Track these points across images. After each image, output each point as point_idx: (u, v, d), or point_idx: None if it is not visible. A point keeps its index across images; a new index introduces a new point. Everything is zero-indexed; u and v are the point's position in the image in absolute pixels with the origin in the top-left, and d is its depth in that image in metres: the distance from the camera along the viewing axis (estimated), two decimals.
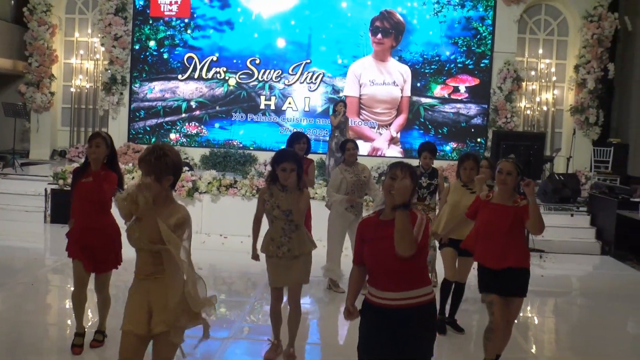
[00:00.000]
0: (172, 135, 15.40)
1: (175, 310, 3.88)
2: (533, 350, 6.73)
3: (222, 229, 11.47)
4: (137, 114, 15.46)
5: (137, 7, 15.35)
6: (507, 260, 5.25)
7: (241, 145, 15.33)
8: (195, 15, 15.40)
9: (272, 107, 15.45)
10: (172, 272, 3.88)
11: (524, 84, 15.74)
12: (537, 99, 16.01)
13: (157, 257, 3.88)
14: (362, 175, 8.04)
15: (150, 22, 15.40)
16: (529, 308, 8.61)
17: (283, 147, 8.14)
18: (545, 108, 16.08)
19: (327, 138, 13.65)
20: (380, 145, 15.48)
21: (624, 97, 16.92)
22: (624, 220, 11.52)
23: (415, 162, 9.15)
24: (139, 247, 3.91)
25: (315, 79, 15.42)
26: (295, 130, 14.64)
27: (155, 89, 15.43)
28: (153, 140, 15.28)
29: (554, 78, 16.02)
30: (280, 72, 15.41)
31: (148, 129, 15.46)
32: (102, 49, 15.43)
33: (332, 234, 8.15)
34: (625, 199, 12.04)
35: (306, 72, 15.41)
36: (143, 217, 3.85)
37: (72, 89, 15.91)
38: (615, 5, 16.00)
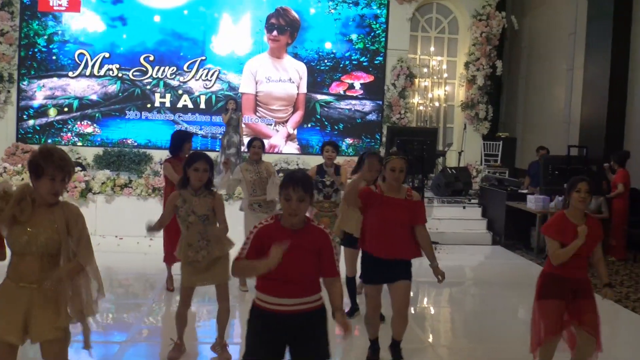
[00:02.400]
0: (64, 135, 14.95)
1: (67, 314, 3.81)
2: (430, 340, 6.89)
3: (117, 230, 11.18)
4: (26, 113, 14.92)
5: (25, 1, 14.78)
6: (402, 252, 5.42)
7: (136, 144, 15.05)
8: (86, 11, 14.97)
9: (167, 104, 15.23)
10: (66, 276, 3.77)
11: (416, 80, 16.08)
12: (430, 95, 16.40)
13: (47, 262, 3.75)
14: (264, 174, 7.90)
15: (39, 17, 14.88)
16: (425, 299, 8.83)
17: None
18: (437, 104, 16.49)
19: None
20: (277, 142, 15.52)
21: (512, 93, 17.58)
22: (513, 211, 11.95)
23: (312, 159, 9.19)
24: (27, 251, 3.71)
25: (211, 76, 15.30)
26: (185, 128, 14.56)
27: (45, 87, 14.93)
28: (43, 140, 14.78)
29: (445, 75, 16.45)
30: (175, 69, 15.21)
31: (38, 128, 14.94)
32: None
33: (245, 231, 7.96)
34: (513, 190, 12.51)
35: (202, 69, 15.28)
36: (31, 220, 3.71)
37: None
38: (503, 5, 16.60)
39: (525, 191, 12.37)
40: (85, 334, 3.99)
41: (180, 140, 7.82)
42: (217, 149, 14.02)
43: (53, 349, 3.82)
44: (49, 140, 14.66)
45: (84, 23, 14.99)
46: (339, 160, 14.41)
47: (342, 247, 6.84)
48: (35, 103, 14.94)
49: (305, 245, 3.79)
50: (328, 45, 15.69)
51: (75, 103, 15.00)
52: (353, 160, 14.77)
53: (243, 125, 14.18)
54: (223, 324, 5.71)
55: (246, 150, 8.16)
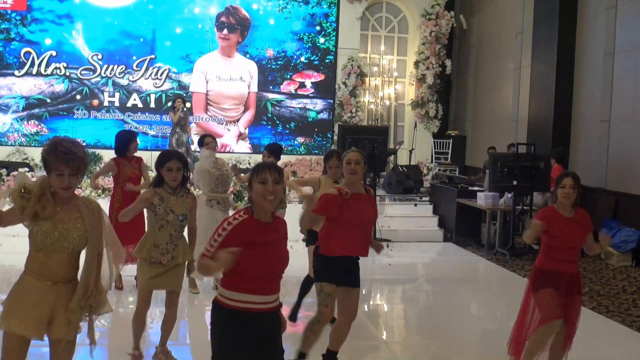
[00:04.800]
0: (10, 135, 14.62)
1: (81, 310, 3.76)
2: (384, 337, 6.94)
3: None
4: None
5: None
6: (367, 249, 5.35)
7: (85, 144, 14.79)
8: (32, 8, 14.69)
9: (117, 103, 15.03)
10: (89, 272, 3.75)
11: (367, 79, 16.19)
12: (380, 94, 16.50)
13: (75, 258, 3.75)
14: (224, 169, 7.88)
15: None
16: (378, 296, 8.90)
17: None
18: (388, 102, 16.60)
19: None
20: (228, 142, 15.44)
21: (461, 91, 17.79)
22: (464, 208, 12.10)
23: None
24: (57, 247, 3.66)
25: (161, 74, 15.14)
26: (135, 127, 14.42)
27: None
28: None
29: (395, 74, 16.57)
30: (124, 67, 15.01)
31: None
32: None
33: (200, 231, 7.82)
34: (464, 187, 12.68)
35: (151, 68, 15.11)
36: (56, 216, 3.66)
37: None
38: (452, 5, 16.79)
39: (476, 188, 12.58)
40: (91, 331, 3.92)
41: (125, 140, 7.83)
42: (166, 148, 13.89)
43: (67, 348, 3.80)
44: None
45: (30, 21, 14.69)
46: (291, 158, 14.57)
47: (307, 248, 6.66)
48: None
49: (282, 236, 3.80)
50: (279, 44, 15.66)
51: (22, 102, 14.69)
52: (305, 158, 14.86)
53: (194, 124, 14.09)
54: (168, 331, 5.58)
55: (198, 147, 8.11)
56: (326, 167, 6.55)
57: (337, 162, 6.29)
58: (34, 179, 3.81)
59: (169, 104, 14.88)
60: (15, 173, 11.13)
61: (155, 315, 7.12)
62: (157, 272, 5.34)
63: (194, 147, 12.75)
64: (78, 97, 14.89)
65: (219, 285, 3.76)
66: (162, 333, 5.58)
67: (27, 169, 11.88)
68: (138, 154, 8.10)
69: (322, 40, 15.86)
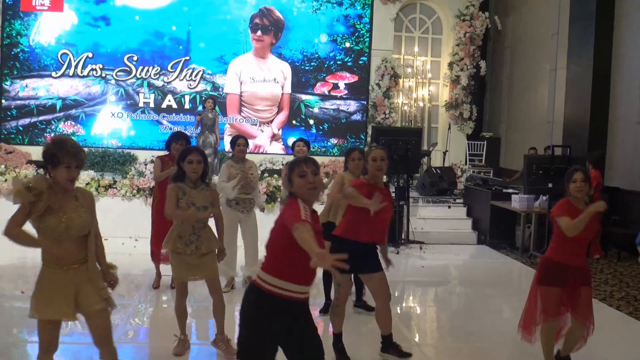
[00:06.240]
0: (47, 135, 14.84)
1: (103, 283, 4.27)
2: (416, 339, 6.90)
3: (102, 231, 11.02)
4: (9, 113, 14.83)
5: (7, 1, 14.68)
6: (385, 238, 5.81)
7: (120, 144, 14.98)
8: (68, 10, 14.91)
9: (152, 104, 15.19)
10: (92, 252, 4.19)
11: (401, 80, 16.13)
12: (414, 95, 16.44)
13: (81, 242, 4.10)
14: (249, 172, 7.97)
15: (22, 16, 14.78)
16: (411, 298, 8.85)
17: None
18: (421, 104, 16.54)
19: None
20: (262, 143, 15.51)
21: (495, 93, 17.64)
22: (498, 211, 11.99)
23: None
24: (65, 237, 4.01)
25: (195, 76, 15.27)
26: (175, 128, 14.52)
27: (27, 87, 14.84)
28: (26, 140, 14.72)
29: (429, 75, 16.50)
30: (159, 69, 15.17)
31: (21, 128, 14.84)
32: None
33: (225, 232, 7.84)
34: (498, 190, 12.56)
35: (186, 69, 15.24)
36: (61, 208, 4.00)
37: None
38: (486, 5, 16.66)
39: (510, 191, 12.45)
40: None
41: (169, 139, 8.02)
42: None
43: (101, 317, 4.20)
44: (37, 140, 14.58)
45: (67, 23, 14.89)
46: (324, 160, 14.58)
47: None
48: (18, 103, 14.83)
49: (320, 228, 3.88)
50: (312, 46, 15.69)
51: (59, 103, 14.91)
52: (337, 160, 14.83)
53: (228, 125, 14.17)
54: (221, 317, 5.77)
55: (230, 149, 8.18)
56: (348, 161, 6.83)
57: (359, 155, 6.69)
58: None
59: (201, 106, 15.02)
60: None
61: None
62: (186, 264, 5.59)
63: (227, 148, 12.80)
64: (113, 98, 15.05)
65: (260, 269, 3.84)
66: (216, 320, 5.81)
67: None
68: None
69: (355, 41, 15.84)
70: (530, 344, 5.53)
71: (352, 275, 6.91)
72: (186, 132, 8.93)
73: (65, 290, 4.06)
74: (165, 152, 8.04)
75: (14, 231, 3.88)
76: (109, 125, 15.07)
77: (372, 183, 5.58)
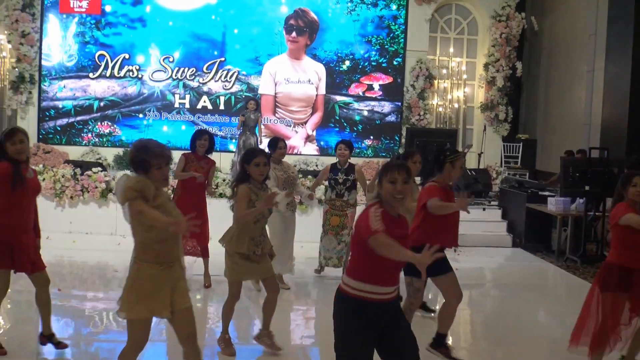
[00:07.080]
0: (84, 135, 15.05)
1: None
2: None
3: None
4: (47, 114, 15.05)
5: (46, 3, 14.91)
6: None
7: None
8: (106, 12, 15.10)
9: (187, 105, 15.31)
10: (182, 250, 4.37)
11: (435, 81, 16.06)
12: (449, 97, 16.34)
13: (177, 241, 4.23)
14: (291, 172, 8.05)
15: (60, 19, 14.99)
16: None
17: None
18: (456, 105, 16.44)
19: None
20: (296, 144, 15.54)
21: (531, 94, 17.45)
22: (534, 213, 11.84)
23: (331, 160, 9.26)
24: (169, 235, 4.10)
25: (230, 77, 15.35)
26: (205, 129, 14.59)
27: (65, 88, 15.06)
28: (64, 140, 14.94)
29: (464, 76, 16.39)
30: (195, 70, 15.28)
31: (59, 128, 15.07)
32: (9, 46, 14.92)
33: (276, 232, 7.86)
34: (534, 192, 12.42)
35: (221, 70, 15.34)
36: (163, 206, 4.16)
37: None
38: (523, 6, 16.49)
39: (546, 193, 12.25)
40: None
41: (193, 137, 8.21)
42: (234, 150, 14.02)
43: (189, 315, 4.31)
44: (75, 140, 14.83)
45: (104, 25, 15.09)
46: (358, 161, 14.54)
47: None
48: (57, 104, 15.06)
49: (406, 233, 3.92)
50: (347, 47, 15.69)
51: (96, 104, 15.11)
52: (372, 161, 14.79)
53: (262, 127, 14.21)
54: (270, 314, 5.84)
55: (270, 151, 8.12)
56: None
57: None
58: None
59: (238, 105, 15.09)
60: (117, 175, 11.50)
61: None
62: (249, 264, 5.62)
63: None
64: (150, 98, 15.21)
65: (344, 274, 3.91)
66: (265, 316, 5.88)
67: (100, 169, 12.17)
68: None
69: (390, 42, 15.80)
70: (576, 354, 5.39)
71: None
72: (209, 129, 8.98)
73: (165, 288, 4.16)
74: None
75: (139, 207, 4.01)
76: (145, 126, 15.22)
77: (443, 185, 5.68)
